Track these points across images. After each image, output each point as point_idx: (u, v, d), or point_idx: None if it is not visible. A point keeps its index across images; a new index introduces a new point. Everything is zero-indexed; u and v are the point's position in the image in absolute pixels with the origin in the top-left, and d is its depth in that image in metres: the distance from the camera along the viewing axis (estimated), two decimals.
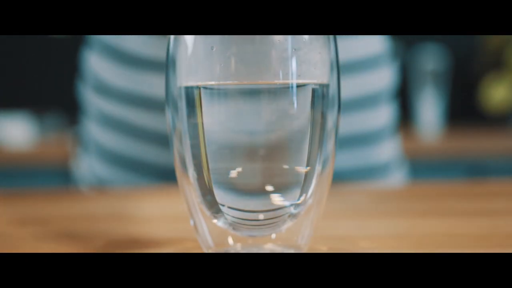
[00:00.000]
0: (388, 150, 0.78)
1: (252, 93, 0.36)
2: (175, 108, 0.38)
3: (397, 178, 0.80)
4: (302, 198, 0.38)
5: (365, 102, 0.74)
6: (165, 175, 0.71)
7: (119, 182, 0.74)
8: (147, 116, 0.71)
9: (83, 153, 0.82)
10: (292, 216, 0.38)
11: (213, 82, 0.36)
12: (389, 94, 0.79)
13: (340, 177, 0.72)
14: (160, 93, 0.70)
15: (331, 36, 0.38)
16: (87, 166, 0.80)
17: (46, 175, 1.80)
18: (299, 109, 0.36)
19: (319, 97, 0.37)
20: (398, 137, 0.84)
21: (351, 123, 0.73)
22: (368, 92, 0.74)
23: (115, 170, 0.74)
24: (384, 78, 0.77)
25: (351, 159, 0.74)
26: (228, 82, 0.35)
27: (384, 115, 0.77)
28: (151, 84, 0.71)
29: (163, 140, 0.71)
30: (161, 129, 0.71)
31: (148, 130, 0.72)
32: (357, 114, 0.73)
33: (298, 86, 0.36)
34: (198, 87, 0.36)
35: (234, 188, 0.37)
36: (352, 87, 0.72)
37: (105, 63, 0.75)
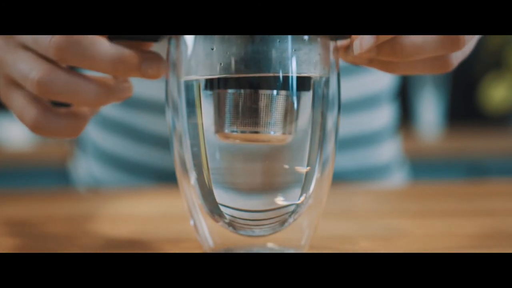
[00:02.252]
0: (388, 150, 0.78)
1: None
2: (175, 109, 0.38)
3: (397, 179, 0.80)
4: (302, 198, 0.38)
5: (365, 103, 0.74)
6: (163, 177, 0.71)
7: (117, 183, 0.74)
8: (144, 117, 0.71)
9: (81, 154, 0.82)
10: (292, 216, 0.38)
11: (213, 76, 0.35)
12: (389, 95, 0.79)
13: (341, 178, 0.72)
14: (157, 94, 0.70)
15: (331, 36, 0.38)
16: (85, 168, 0.80)
17: (45, 175, 1.80)
18: (299, 109, 0.36)
19: (319, 97, 0.37)
20: (399, 137, 0.84)
21: (352, 124, 0.73)
22: (369, 93, 0.74)
23: (112, 172, 0.74)
24: (384, 79, 0.77)
25: (352, 160, 0.74)
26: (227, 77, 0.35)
27: (384, 116, 0.77)
28: (148, 86, 0.71)
29: (160, 142, 0.71)
30: (158, 130, 0.71)
31: (146, 131, 0.72)
32: (358, 115, 0.73)
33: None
34: (198, 81, 0.36)
35: (234, 188, 0.37)
36: (352, 88, 0.72)
37: None
